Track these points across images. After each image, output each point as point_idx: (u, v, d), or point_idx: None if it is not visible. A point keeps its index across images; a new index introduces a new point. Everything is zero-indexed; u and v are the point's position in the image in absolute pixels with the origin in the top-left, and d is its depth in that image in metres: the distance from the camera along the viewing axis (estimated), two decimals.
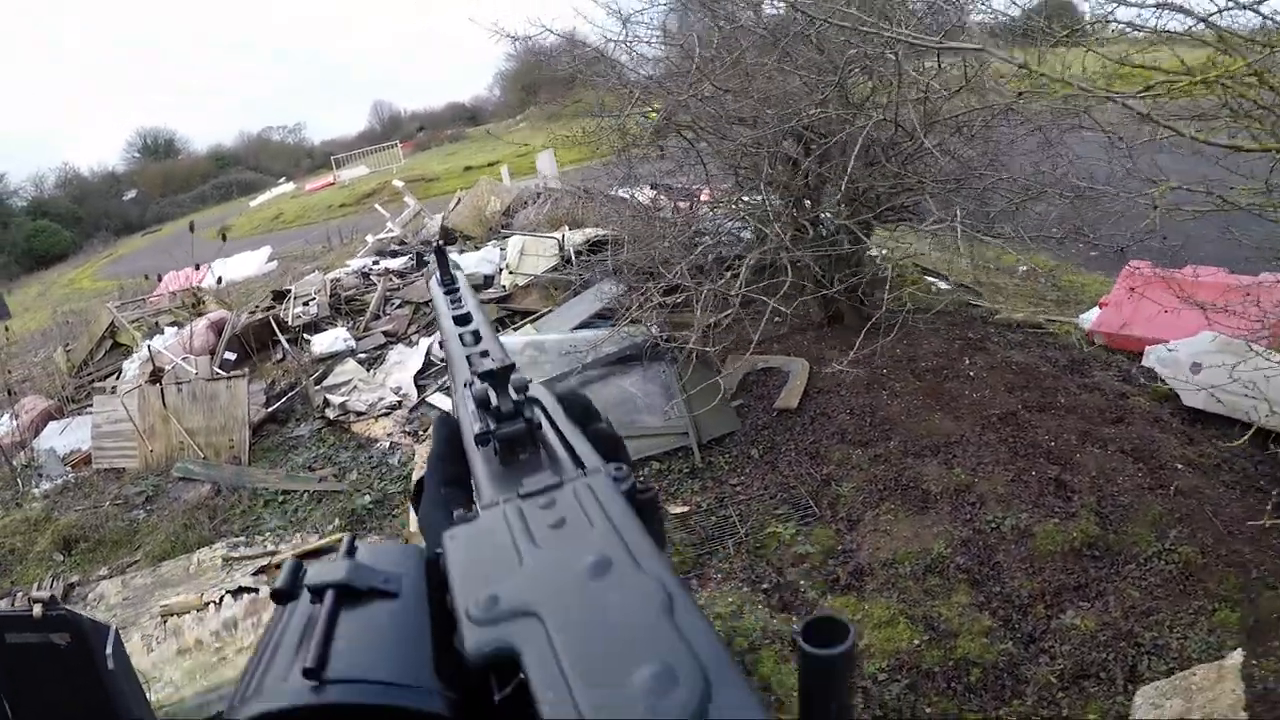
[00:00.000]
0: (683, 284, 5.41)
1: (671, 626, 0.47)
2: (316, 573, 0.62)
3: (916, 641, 3.92)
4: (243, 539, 6.48)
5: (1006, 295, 7.76)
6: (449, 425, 0.86)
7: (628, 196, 7.02)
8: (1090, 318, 6.90)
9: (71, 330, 16.00)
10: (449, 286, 1.18)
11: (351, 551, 0.65)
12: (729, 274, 5.38)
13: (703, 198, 6.61)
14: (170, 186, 61.49)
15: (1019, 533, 4.39)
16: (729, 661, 0.44)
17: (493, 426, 0.74)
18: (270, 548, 6.17)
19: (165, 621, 5.56)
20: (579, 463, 0.69)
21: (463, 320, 1.06)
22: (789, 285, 5.22)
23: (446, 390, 7.80)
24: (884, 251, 6.39)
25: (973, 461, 4.90)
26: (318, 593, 0.60)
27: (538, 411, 0.76)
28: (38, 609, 4.34)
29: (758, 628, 4.11)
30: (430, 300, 1.09)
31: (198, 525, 6.77)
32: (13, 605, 5.90)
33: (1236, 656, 3.60)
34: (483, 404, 0.75)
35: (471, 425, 0.77)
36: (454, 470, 0.81)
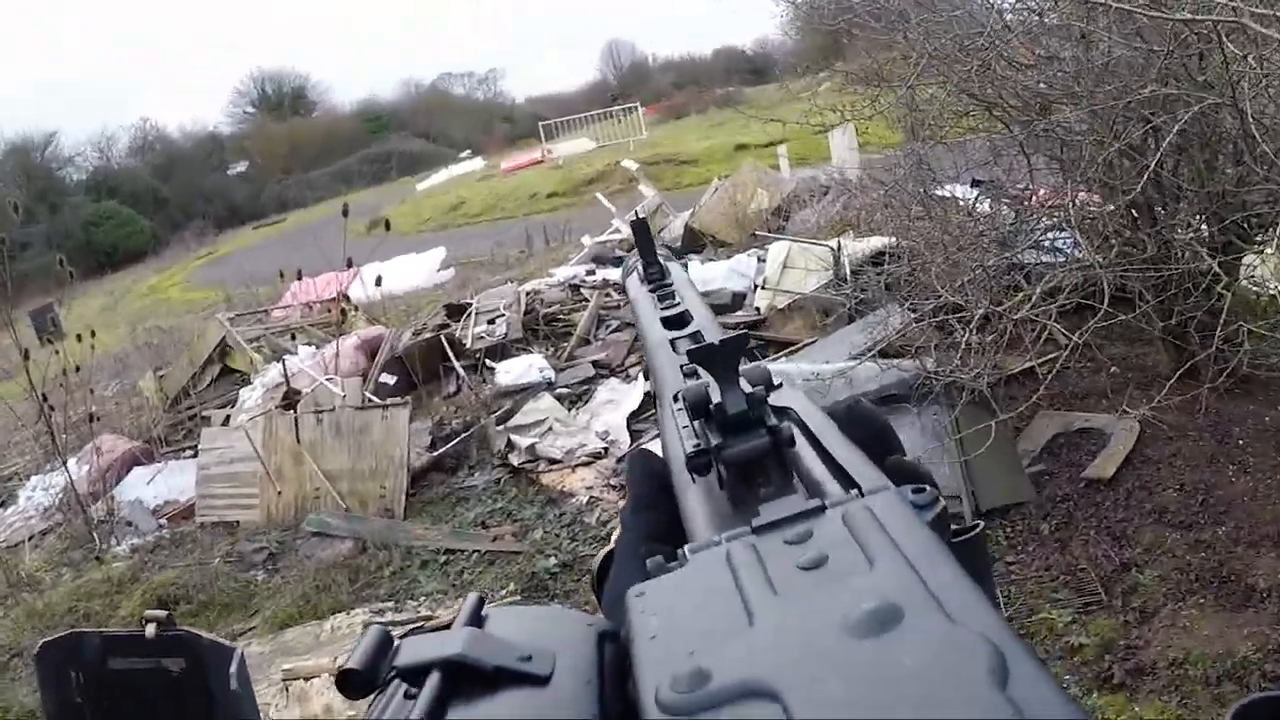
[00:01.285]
0: (972, 307, 7.05)
1: (1005, 702, 0.47)
2: (416, 647, 0.68)
3: None
4: (391, 604, 8.54)
5: None
6: (650, 463, 0.97)
7: (923, 193, 8.58)
8: None
9: (159, 353, 18.86)
10: (656, 279, 1.37)
11: (478, 618, 0.72)
12: (1035, 301, 6.93)
13: (1033, 201, 8.18)
14: (299, 158, 66.43)
15: None
16: None
17: (715, 441, 0.84)
18: (425, 613, 8.26)
19: (288, 688, 7.55)
20: (851, 485, 0.75)
21: (676, 323, 1.22)
22: (1118, 320, 6.76)
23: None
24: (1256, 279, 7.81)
25: None
26: (416, 676, 0.66)
27: (789, 425, 0.86)
28: (151, 628, 6.15)
29: None
30: (628, 300, 1.47)
31: (334, 588, 8.92)
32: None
33: None
34: (700, 407, 0.86)
35: (682, 446, 0.88)
36: (660, 522, 0.91)
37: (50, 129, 68.74)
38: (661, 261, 1.48)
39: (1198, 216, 7.15)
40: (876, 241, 10.68)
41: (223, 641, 6.00)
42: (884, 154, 10.56)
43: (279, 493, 10.48)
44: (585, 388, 11.16)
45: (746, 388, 0.86)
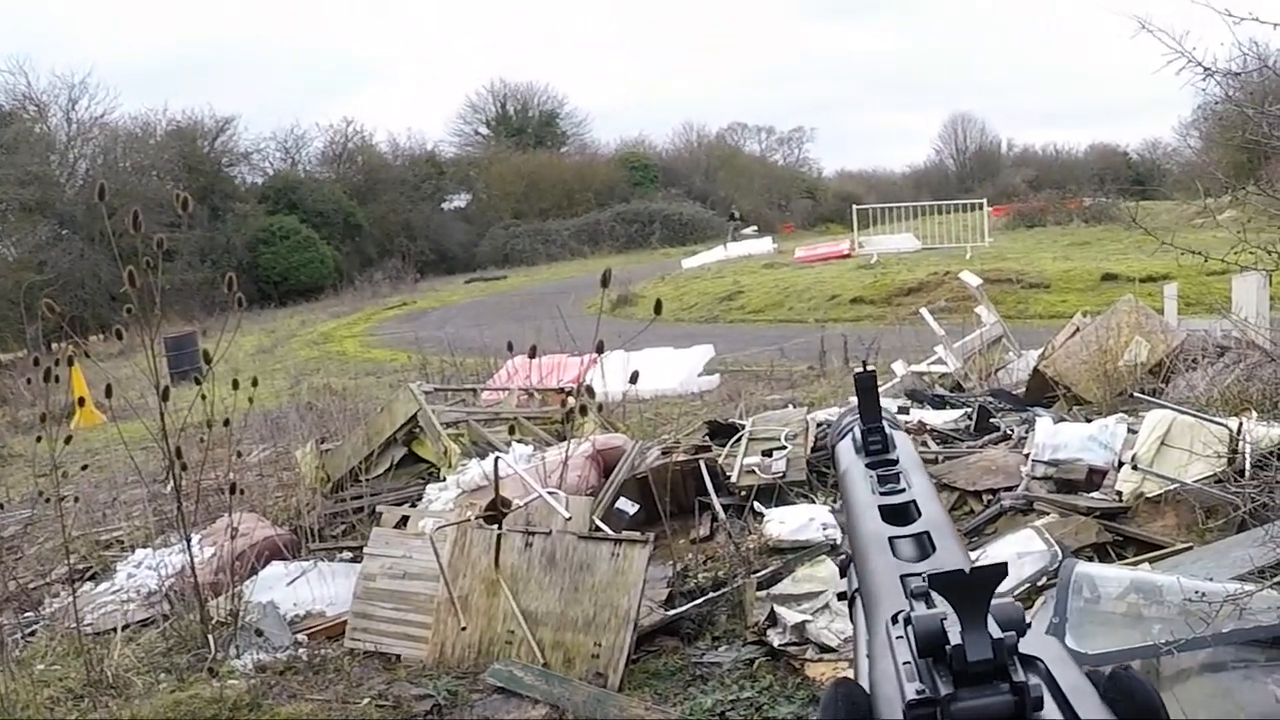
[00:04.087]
0: None
1: None
2: None
3: None
4: None
5: None
6: (853, 699, 1.00)
7: None
8: None
9: (324, 420, 19.51)
10: (876, 451, 1.43)
11: None
12: None
13: None
14: (535, 201, 67.71)
15: None
16: None
17: (946, 690, 0.88)
18: None
19: None
20: None
21: (900, 516, 1.27)
22: None
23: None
24: None
25: None
26: None
27: (1039, 683, 0.91)
28: None
29: None
30: (836, 468, 1.45)
31: None
32: None
33: None
34: (933, 646, 0.91)
35: (900, 690, 0.92)
36: None
37: (227, 113, 70.97)
38: (886, 429, 1.47)
39: None
40: None
41: None
42: None
43: (462, 628, 10.54)
44: None
45: (995, 631, 0.89)
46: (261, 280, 54.48)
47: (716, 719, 9.32)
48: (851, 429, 1.49)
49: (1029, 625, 0.94)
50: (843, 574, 1.47)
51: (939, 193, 56.89)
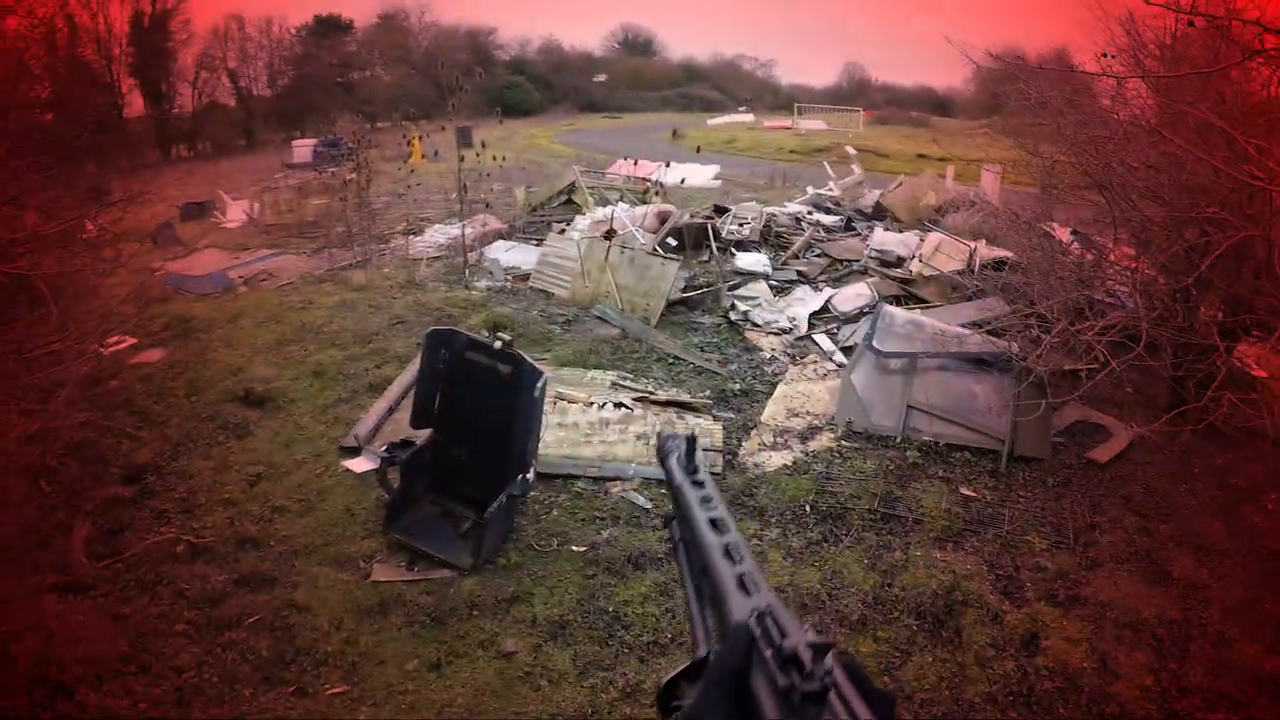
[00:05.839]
0: (1053, 320, 6.84)
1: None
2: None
3: None
4: (630, 377, 8.67)
5: None
6: (742, 648, 0.84)
7: (1043, 230, 8.40)
8: None
9: (529, 176, 19.43)
10: (694, 475, 1.13)
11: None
12: (1096, 329, 6.71)
13: (1111, 256, 7.91)
14: (638, 82, 67.18)
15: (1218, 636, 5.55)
16: None
17: (794, 690, 0.77)
18: (651, 389, 8.38)
19: (556, 403, 7.72)
20: None
21: (719, 527, 1.03)
22: (1140, 358, 6.52)
23: (829, 334, 9.74)
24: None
25: (1221, 570, 6.06)
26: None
27: (833, 675, 0.79)
28: (499, 343, 6.38)
29: (973, 593, 5.70)
30: (669, 479, 1.16)
31: (599, 353, 9.12)
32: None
33: None
34: (790, 663, 0.79)
35: (765, 684, 0.80)
36: (733, 711, 0.82)
37: (490, 25, 70.11)
38: (698, 464, 1.15)
39: (1220, 307, 6.89)
40: (1000, 252, 10.48)
41: (538, 367, 6.21)
42: (1018, 191, 10.30)
43: (586, 286, 10.71)
44: (788, 285, 11.20)
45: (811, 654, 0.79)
46: (507, 106, 53.65)
47: (699, 349, 9.48)
48: (679, 450, 1.18)
49: (830, 647, 0.80)
50: (665, 526, 1.19)
51: (834, 101, 54.78)
